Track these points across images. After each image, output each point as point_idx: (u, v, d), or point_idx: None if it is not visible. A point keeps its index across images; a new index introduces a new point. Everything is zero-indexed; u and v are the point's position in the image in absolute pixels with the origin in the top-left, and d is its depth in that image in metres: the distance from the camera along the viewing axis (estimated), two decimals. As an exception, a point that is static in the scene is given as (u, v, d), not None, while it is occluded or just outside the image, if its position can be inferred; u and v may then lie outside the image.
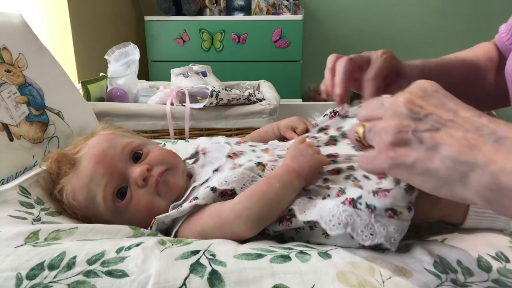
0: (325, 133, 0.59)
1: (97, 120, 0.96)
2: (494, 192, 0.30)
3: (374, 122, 0.36)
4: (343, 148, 0.56)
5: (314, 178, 0.52)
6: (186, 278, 0.35)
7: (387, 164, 0.34)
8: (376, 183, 0.47)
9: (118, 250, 0.38)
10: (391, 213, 0.42)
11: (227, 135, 1.06)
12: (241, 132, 1.22)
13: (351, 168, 0.52)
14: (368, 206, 0.42)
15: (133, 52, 1.48)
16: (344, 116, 0.60)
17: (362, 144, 0.37)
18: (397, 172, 0.34)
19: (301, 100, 2.13)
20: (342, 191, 0.47)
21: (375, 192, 0.43)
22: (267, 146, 0.63)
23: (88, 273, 0.35)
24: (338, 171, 0.53)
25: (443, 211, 0.51)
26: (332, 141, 0.58)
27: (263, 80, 1.63)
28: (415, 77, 0.52)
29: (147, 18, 2.12)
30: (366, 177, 0.49)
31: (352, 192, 0.46)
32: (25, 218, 0.50)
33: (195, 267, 0.36)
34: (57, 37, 1.52)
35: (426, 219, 0.50)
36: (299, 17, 2.10)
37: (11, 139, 0.62)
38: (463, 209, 0.49)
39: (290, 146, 0.55)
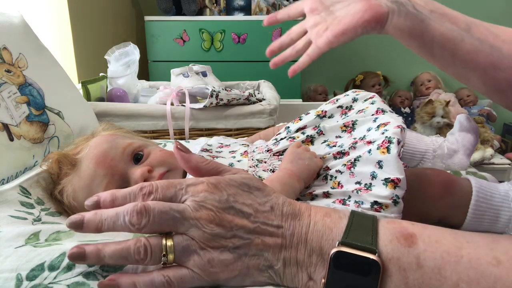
0: (302, 133, 0.61)
1: (97, 120, 0.96)
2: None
3: (187, 242, 0.33)
4: (319, 148, 0.57)
5: (312, 180, 0.52)
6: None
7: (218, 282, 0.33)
8: (350, 174, 0.50)
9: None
10: (377, 207, 0.44)
11: (227, 135, 1.06)
12: (241, 132, 1.22)
13: (326, 168, 0.54)
14: (356, 201, 0.46)
15: (133, 52, 1.48)
16: (323, 116, 0.61)
17: (167, 259, 0.33)
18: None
19: (301, 100, 2.13)
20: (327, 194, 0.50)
21: (358, 190, 0.46)
22: (247, 148, 0.64)
23: (87, 275, 0.35)
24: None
25: (443, 212, 0.51)
26: (309, 140, 0.59)
27: (263, 80, 1.63)
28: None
29: (147, 18, 2.11)
30: (339, 171, 0.51)
31: (339, 195, 0.49)
32: (25, 218, 0.50)
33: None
34: (57, 37, 1.52)
35: (425, 220, 0.50)
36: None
37: (11, 139, 0.62)
38: (463, 210, 0.49)
39: (286, 151, 0.56)
